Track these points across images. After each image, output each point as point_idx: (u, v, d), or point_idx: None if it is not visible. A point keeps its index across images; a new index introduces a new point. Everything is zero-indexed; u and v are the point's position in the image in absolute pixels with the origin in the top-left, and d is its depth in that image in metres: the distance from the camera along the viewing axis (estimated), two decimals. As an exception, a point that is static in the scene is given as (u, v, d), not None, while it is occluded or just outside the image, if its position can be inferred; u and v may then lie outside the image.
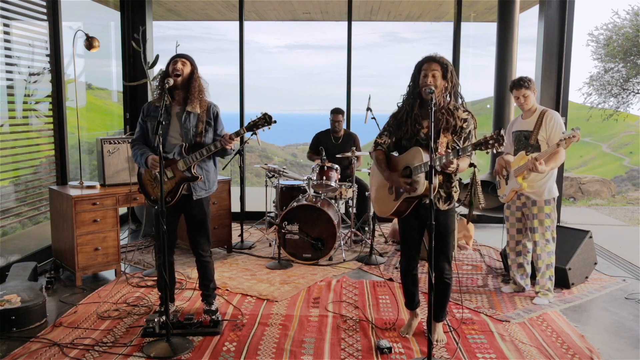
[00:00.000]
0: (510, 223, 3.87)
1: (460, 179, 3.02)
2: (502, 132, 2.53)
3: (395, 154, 3.06)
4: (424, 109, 2.84)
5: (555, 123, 3.58)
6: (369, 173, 5.03)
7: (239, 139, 3.18)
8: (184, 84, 3.15)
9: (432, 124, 2.59)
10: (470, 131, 2.85)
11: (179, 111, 3.19)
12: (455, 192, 2.93)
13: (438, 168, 2.72)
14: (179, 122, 3.18)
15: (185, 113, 3.18)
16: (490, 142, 2.55)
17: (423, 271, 4.49)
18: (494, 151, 2.58)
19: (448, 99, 2.88)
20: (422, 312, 3.53)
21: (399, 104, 3.01)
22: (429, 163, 2.57)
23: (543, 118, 3.61)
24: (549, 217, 3.65)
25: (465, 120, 2.84)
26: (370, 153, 3.15)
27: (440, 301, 3.04)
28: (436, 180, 2.71)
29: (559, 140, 3.42)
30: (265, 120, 3.11)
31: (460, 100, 2.90)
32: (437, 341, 3.05)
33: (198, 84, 3.18)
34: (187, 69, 3.15)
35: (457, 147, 2.66)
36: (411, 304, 3.23)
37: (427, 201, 2.80)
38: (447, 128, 2.83)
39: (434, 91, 2.66)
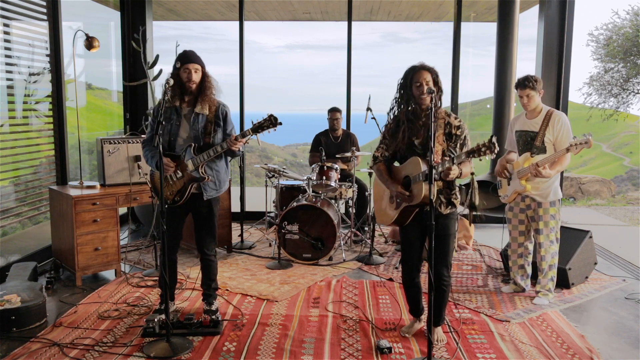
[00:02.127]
0: (512, 225, 3.86)
1: (460, 185, 3.03)
2: (494, 139, 2.55)
3: (396, 164, 3.08)
4: (418, 119, 2.88)
5: (563, 125, 3.53)
6: (369, 173, 5.04)
7: (245, 140, 3.17)
8: (197, 89, 3.17)
9: (433, 124, 2.60)
10: (465, 136, 2.90)
11: (188, 112, 3.21)
12: (455, 199, 2.94)
13: (437, 176, 2.74)
14: (188, 124, 3.20)
15: (194, 114, 3.19)
16: (483, 149, 2.58)
17: (423, 271, 4.49)
18: (487, 158, 2.60)
19: (439, 106, 2.90)
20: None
21: (390, 116, 3.01)
22: (429, 163, 2.57)
23: (550, 119, 3.55)
24: (554, 219, 3.64)
25: (459, 127, 2.88)
26: (371, 168, 3.16)
27: (437, 306, 3.04)
28: (434, 188, 2.73)
29: (569, 145, 3.38)
30: (271, 122, 3.08)
31: (440, 104, 2.92)
32: (437, 341, 3.05)
33: (210, 85, 3.19)
34: (199, 75, 3.15)
35: (452, 155, 2.70)
36: (416, 311, 3.23)
37: (428, 208, 2.82)
38: (442, 134, 2.86)
39: (434, 91, 2.67)
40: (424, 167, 2.77)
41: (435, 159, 2.76)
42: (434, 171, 2.65)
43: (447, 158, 2.73)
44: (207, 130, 3.20)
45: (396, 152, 3.00)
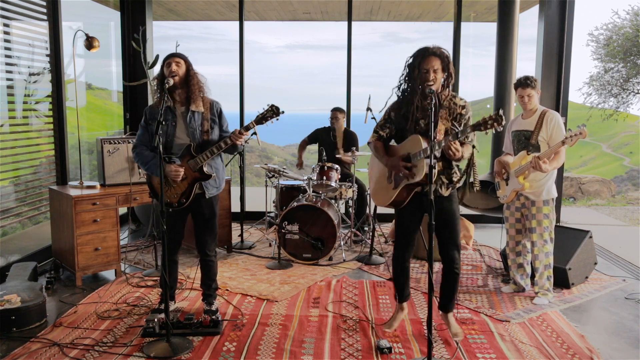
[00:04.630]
0: (509, 223, 3.87)
1: (458, 166, 3.01)
2: (500, 112, 2.53)
3: (393, 143, 3.06)
4: (425, 102, 2.84)
5: (556, 123, 3.58)
6: (368, 144, 5.02)
7: (249, 133, 3.16)
8: (182, 83, 3.14)
9: (432, 123, 2.59)
10: (469, 117, 2.88)
11: (183, 111, 3.19)
12: (456, 177, 2.94)
13: (438, 154, 2.71)
14: (184, 123, 3.18)
15: (189, 113, 3.17)
16: (490, 122, 2.54)
17: (423, 271, 4.49)
18: (494, 131, 2.57)
19: (447, 90, 2.88)
20: (422, 311, 3.54)
21: (398, 94, 2.98)
22: (430, 161, 2.57)
23: (544, 118, 3.61)
24: (547, 218, 3.65)
25: (463, 107, 2.86)
26: (369, 143, 3.15)
27: (450, 292, 3.07)
28: (435, 170, 2.72)
29: (564, 137, 3.41)
30: (273, 111, 3.08)
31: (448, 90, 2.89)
32: (455, 335, 3.06)
33: (196, 81, 3.17)
34: (183, 69, 3.13)
35: (456, 130, 2.67)
36: (401, 296, 3.24)
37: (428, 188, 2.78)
38: (446, 112, 2.85)
39: (434, 92, 2.67)
40: (424, 145, 2.75)
41: (437, 138, 2.74)
42: (435, 148, 2.62)
43: (450, 135, 2.70)
44: (204, 128, 3.17)
45: (399, 131, 2.97)
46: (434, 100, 2.63)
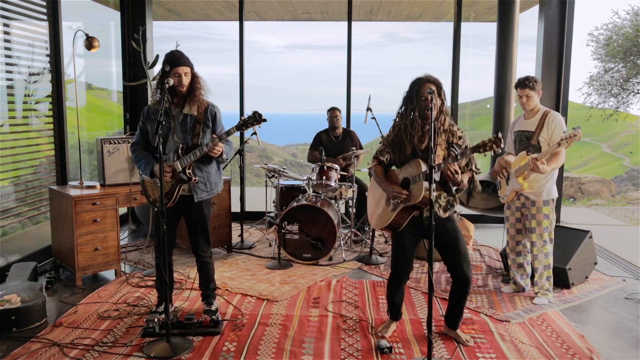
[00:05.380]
0: (510, 223, 3.88)
1: (456, 197, 3.01)
2: (499, 135, 2.58)
3: (394, 168, 3.08)
4: (423, 127, 2.89)
5: (557, 124, 3.59)
6: (369, 174, 5.03)
7: (222, 145, 3.10)
8: (187, 91, 3.16)
9: (433, 124, 2.61)
10: (466, 146, 2.90)
11: (177, 113, 3.20)
12: (452, 203, 2.95)
13: (437, 177, 2.73)
14: (178, 125, 3.19)
15: (182, 115, 3.18)
16: (489, 144, 2.59)
17: (423, 271, 4.50)
18: (492, 153, 2.63)
19: (443, 117, 2.90)
20: (422, 311, 3.54)
21: (395, 123, 3.00)
22: (429, 164, 2.58)
23: (545, 119, 3.61)
24: (547, 218, 3.65)
25: (460, 137, 2.91)
26: (369, 170, 3.16)
27: (460, 310, 3.09)
28: (434, 193, 2.73)
29: (560, 139, 3.42)
30: (255, 118, 2.99)
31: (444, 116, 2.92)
32: (467, 341, 3.06)
33: (197, 86, 3.18)
34: (189, 78, 3.14)
35: (455, 153, 2.69)
36: (395, 316, 3.24)
37: (426, 213, 2.81)
38: (444, 140, 2.88)
39: (434, 91, 2.70)
40: (424, 168, 2.78)
41: (436, 162, 2.77)
42: (435, 170, 2.65)
43: (451, 156, 2.73)
44: (196, 131, 3.16)
45: (400, 158, 3.00)
46: (433, 101, 2.66)
